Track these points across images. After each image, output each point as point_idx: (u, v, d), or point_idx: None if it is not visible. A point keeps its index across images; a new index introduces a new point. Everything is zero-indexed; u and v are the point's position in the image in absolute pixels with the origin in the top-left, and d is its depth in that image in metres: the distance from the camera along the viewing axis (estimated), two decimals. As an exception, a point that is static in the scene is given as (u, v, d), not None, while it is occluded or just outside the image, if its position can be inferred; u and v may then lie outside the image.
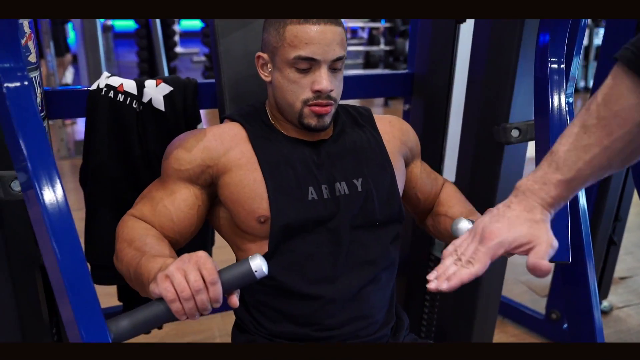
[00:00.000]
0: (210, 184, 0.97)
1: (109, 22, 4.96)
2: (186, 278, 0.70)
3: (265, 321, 0.98)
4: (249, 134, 0.98)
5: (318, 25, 0.90)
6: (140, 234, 0.90)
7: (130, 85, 1.18)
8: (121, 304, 1.36)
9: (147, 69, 4.37)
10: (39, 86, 1.07)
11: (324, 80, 0.91)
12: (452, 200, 1.14)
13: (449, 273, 0.73)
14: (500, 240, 0.71)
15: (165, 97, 1.20)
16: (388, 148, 1.05)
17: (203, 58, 5.85)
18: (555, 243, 0.71)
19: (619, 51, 0.68)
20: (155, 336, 1.84)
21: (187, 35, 7.63)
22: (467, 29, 1.39)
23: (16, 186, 0.90)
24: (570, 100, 1.10)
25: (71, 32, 6.17)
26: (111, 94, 1.17)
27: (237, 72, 1.14)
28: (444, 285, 0.72)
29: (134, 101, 1.18)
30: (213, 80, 1.24)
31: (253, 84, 1.14)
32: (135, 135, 1.19)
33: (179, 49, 5.42)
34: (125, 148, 1.19)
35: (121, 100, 1.17)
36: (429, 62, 1.45)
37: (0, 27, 0.70)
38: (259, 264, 0.74)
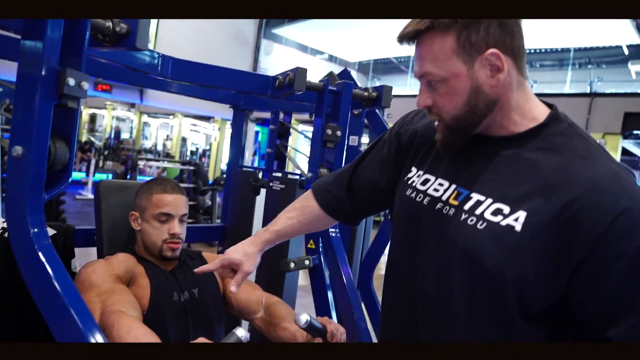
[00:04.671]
0: (128, 284, 1.42)
1: None
2: None
3: None
4: (137, 259, 1.50)
5: (173, 195, 1.53)
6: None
7: (22, 229, 1.61)
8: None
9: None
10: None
11: (176, 227, 1.52)
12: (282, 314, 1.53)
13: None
14: (229, 260, 1.23)
15: (50, 237, 1.65)
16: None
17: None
18: (250, 270, 1.23)
19: (315, 182, 1.29)
20: None
21: None
22: (260, 199, 2.17)
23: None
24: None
25: None
26: (6, 234, 1.58)
27: (113, 223, 1.67)
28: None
29: (24, 240, 1.60)
30: (84, 227, 1.74)
31: (124, 231, 1.67)
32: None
33: None
34: (16, 280, 1.52)
35: (14, 239, 1.58)
36: (235, 218, 2.18)
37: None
38: (243, 334, 1.11)
